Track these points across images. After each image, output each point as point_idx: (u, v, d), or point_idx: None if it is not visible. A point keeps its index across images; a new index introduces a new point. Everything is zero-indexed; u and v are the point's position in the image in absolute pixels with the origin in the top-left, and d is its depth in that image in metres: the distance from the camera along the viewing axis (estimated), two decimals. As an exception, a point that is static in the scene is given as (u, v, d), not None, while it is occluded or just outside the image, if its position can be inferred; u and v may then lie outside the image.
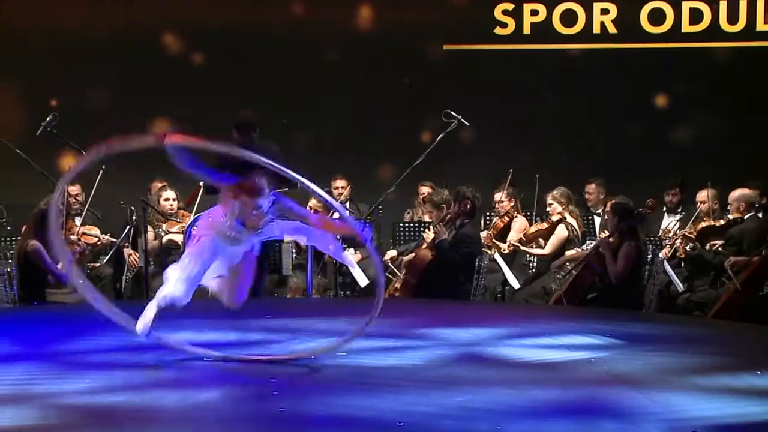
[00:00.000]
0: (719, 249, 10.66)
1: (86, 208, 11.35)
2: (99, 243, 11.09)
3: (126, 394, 5.87)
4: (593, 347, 7.43)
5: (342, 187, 12.07)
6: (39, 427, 5.23)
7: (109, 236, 11.25)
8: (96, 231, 11.25)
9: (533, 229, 11.32)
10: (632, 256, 9.95)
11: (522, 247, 11.21)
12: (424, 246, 10.59)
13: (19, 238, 10.52)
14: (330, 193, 11.84)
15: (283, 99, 13.06)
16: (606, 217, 10.92)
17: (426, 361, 6.83)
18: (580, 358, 7.01)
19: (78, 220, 11.27)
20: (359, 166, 12.63)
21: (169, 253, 11.16)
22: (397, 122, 13.23)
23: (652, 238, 11.21)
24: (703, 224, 10.88)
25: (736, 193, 10.83)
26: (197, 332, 7.80)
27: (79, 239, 10.67)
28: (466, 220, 10.60)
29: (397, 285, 10.68)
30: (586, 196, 12.11)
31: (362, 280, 11.15)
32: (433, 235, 10.53)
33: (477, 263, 10.49)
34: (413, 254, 10.73)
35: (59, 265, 9.97)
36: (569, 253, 11.04)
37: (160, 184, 12.01)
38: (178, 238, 11.25)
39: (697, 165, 12.76)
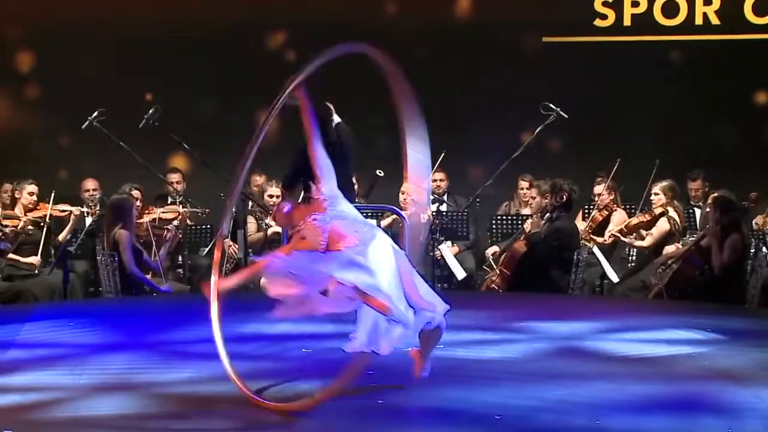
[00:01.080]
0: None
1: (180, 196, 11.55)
2: (179, 216, 11.21)
3: (227, 384, 5.94)
4: (694, 342, 7.35)
5: (440, 180, 12.04)
6: (141, 415, 5.32)
7: (188, 208, 11.36)
8: (174, 208, 11.37)
9: (635, 220, 11.19)
10: (738, 248, 9.80)
11: (622, 238, 11.09)
12: (521, 238, 10.54)
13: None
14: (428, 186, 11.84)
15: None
16: (708, 210, 10.76)
17: (524, 355, 6.81)
18: (681, 353, 6.94)
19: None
20: (455, 161, 12.54)
21: (272, 245, 11.24)
22: (493, 115, 13.14)
23: (755, 232, 11.01)
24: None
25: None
26: (295, 324, 7.86)
27: (157, 221, 10.81)
28: (563, 213, 10.51)
29: (494, 278, 10.65)
30: (691, 193, 11.92)
31: (459, 273, 11.15)
32: (530, 227, 10.50)
33: (576, 256, 10.40)
34: (509, 247, 10.71)
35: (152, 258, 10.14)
36: (669, 248, 10.90)
37: (260, 178, 12.11)
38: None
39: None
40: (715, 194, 10.63)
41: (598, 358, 6.86)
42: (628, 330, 7.81)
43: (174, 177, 11.89)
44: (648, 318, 8.57)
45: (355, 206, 10.18)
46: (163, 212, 11.10)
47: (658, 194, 11.16)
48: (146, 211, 10.84)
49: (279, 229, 10.98)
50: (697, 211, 11.69)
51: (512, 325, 7.90)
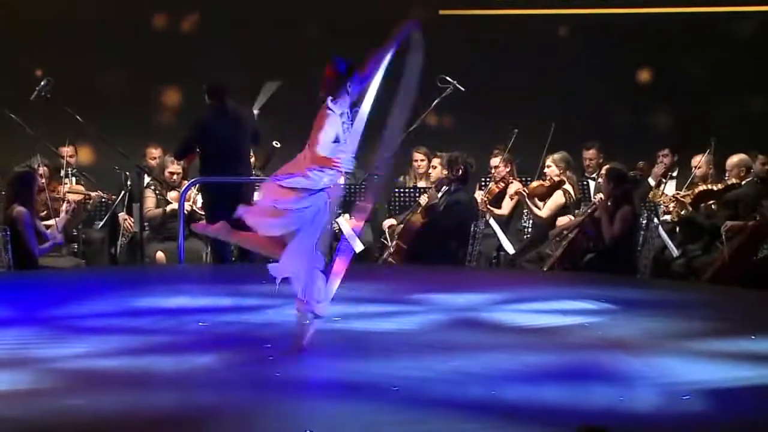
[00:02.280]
0: (712, 210, 10.70)
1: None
2: (88, 199, 11.06)
3: (121, 358, 5.88)
4: (588, 312, 7.45)
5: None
6: (34, 391, 5.24)
7: (99, 192, 11.22)
8: (81, 188, 11.22)
9: (535, 184, 11.27)
10: (628, 219, 9.97)
11: (527, 200, 11.16)
12: (418, 211, 10.60)
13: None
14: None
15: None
16: (601, 182, 10.91)
17: (420, 327, 6.84)
18: (575, 323, 7.03)
19: (68, 181, 11.28)
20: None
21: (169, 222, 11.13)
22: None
23: (647, 203, 11.20)
24: (701, 188, 10.86)
25: (735, 159, 10.81)
26: (192, 297, 7.83)
27: (64, 198, 10.64)
28: (460, 186, 10.60)
29: (391, 251, 10.69)
30: (586, 162, 12.07)
31: (357, 246, 11.14)
32: (427, 200, 10.56)
33: (472, 228, 10.48)
34: (405, 220, 10.76)
35: (49, 230, 9.95)
36: (563, 219, 11.04)
37: (155, 151, 11.95)
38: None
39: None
40: (608, 166, 10.80)
41: (493, 329, 6.92)
42: (523, 301, 7.90)
43: (66, 150, 11.68)
44: (542, 289, 8.68)
45: (250, 177, 10.27)
46: (68, 192, 10.92)
47: (550, 166, 11.29)
48: (50, 188, 10.62)
49: (176, 206, 10.88)
50: (591, 184, 11.85)
51: (408, 297, 7.93)
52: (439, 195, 10.59)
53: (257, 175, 10.68)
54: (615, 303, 7.76)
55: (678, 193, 11.00)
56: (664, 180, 11.77)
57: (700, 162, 11.28)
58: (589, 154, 12.07)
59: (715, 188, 10.79)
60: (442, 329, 6.84)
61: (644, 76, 13.82)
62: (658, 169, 11.88)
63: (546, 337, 6.67)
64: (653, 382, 5.42)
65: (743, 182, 10.66)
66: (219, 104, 10.19)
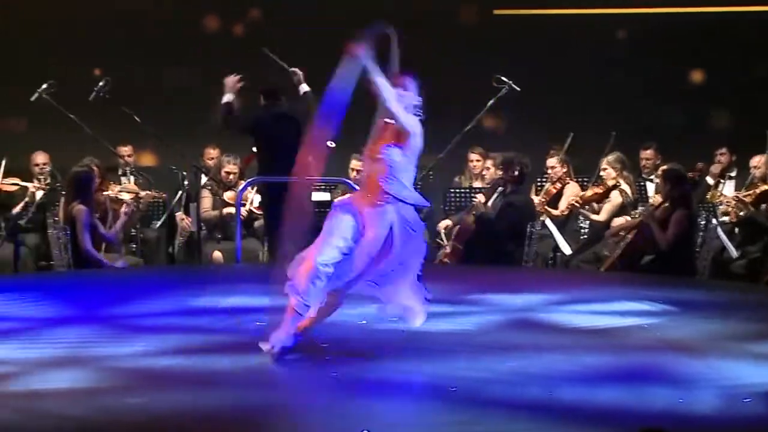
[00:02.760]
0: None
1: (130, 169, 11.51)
2: (140, 198, 11.15)
3: (179, 357, 5.92)
4: (646, 313, 7.40)
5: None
6: (94, 389, 5.29)
7: (149, 192, 11.30)
8: (134, 187, 11.30)
9: (589, 192, 11.24)
10: (682, 223, 9.84)
11: (581, 210, 11.13)
12: (472, 212, 10.57)
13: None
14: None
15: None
16: (658, 182, 10.83)
17: (477, 327, 6.83)
18: (633, 325, 6.99)
19: (125, 180, 11.38)
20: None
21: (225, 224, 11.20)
22: (445, 89, 13.13)
23: (705, 204, 11.11)
24: (762, 188, 10.75)
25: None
26: (250, 297, 7.86)
27: (116, 197, 10.72)
28: (516, 187, 10.56)
29: (447, 252, 10.68)
30: (642, 162, 11.97)
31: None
32: (484, 200, 10.54)
33: (528, 229, 10.44)
34: (461, 221, 10.74)
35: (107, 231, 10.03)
36: (619, 220, 10.97)
37: (214, 151, 12.02)
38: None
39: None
40: (665, 167, 10.71)
41: (550, 330, 6.89)
42: (580, 302, 7.86)
43: (125, 150, 11.79)
44: (600, 290, 8.63)
45: (307, 178, 10.25)
46: (120, 190, 11.01)
47: (606, 168, 11.22)
48: (104, 187, 10.71)
49: (233, 210, 10.93)
50: (649, 185, 11.76)
51: (466, 298, 7.92)
52: (494, 196, 10.55)
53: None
54: (673, 304, 7.70)
55: (739, 194, 10.89)
56: (722, 180, 11.66)
57: (759, 162, 11.17)
58: (647, 154, 11.98)
59: (775, 189, 10.69)
60: (500, 330, 6.82)
61: (698, 76, 13.69)
62: (716, 168, 11.78)
63: (604, 338, 6.64)
64: (713, 384, 5.38)
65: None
66: (274, 105, 10.23)
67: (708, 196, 11.37)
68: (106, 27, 13.41)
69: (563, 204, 11.30)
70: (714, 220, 10.56)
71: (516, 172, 10.52)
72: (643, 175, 11.90)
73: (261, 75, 10.60)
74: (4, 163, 10.94)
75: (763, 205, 10.78)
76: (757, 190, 10.77)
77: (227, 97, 10.18)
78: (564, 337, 6.65)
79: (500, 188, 10.60)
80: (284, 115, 10.18)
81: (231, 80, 10.19)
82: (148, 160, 12.52)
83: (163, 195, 11.46)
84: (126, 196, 10.92)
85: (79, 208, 9.69)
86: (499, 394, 5.24)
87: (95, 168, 10.62)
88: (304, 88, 10.40)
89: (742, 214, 10.79)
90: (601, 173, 11.28)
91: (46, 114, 11.25)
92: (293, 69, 10.58)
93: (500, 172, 10.70)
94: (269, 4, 13.71)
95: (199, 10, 13.70)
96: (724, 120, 13.48)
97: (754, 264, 10.41)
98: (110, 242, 10.04)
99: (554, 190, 11.41)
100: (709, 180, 11.64)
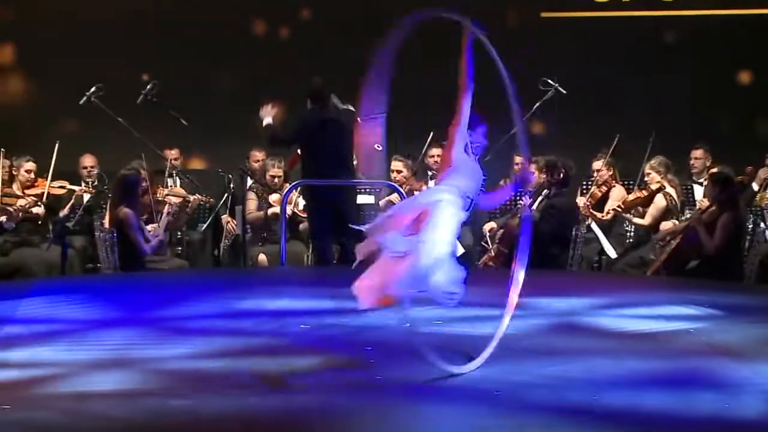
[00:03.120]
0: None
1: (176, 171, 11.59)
2: (188, 202, 11.21)
3: (224, 360, 5.94)
4: (692, 318, 7.35)
5: (438, 155, 12.03)
6: (140, 391, 5.32)
7: (198, 196, 11.36)
8: (182, 191, 11.38)
9: (632, 197, 11.19)
10: (729, 227, 9.77)
11: (624, 214, 11.09)
12: (517, 215, 10.55)
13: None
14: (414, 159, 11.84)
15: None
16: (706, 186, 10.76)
17: (521, 331, 6.80)
18: (679, 329, 6.94)
19: (171, 182, 11.45)
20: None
21: (271, 225, 11.24)
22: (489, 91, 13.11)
23: (753, 208, 11.01)
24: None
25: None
26: (294, 300, 7.89)
27: (164, 200, 10.79)
28: (560, 190, 10.52)
29: (491, 254, 10.66)
30: (692, 161, 11.87)
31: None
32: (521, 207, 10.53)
33: (574, 232, 10.40)
34: (505, 224, 10.71)
35: (151, 232, 10.10)
36: (666, 224, 10.90)
37: (260, 154, 12.07)
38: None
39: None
40: (713, 170, 10.64)
41: (595, 334, 6.86)
42: (626, 306, 7.82)
43: (172, 153, 11.86)
44: (646, 294, 8.57)
45: (352, 181, 10.28)
46: (168, 194, 11.09)
47: (650, 173, 11.16)
48: (153, 190, 10.79)
49: (278, 209, 10.96)
50: (696, 188, 11.66)
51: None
52: (539, 199, 10.52)
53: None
54: (720, 309, 7.64)
55: (787, 197, 10.79)
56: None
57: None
58: (697, 153, 11.87)
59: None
60: (544, 333, 6.80)
61: (746, 78, 13.57)
62: (763, 172, 11.66)
63: (649, 342, 6.60)
64: (760, 389, 5.33)
65: None
66: (321, 108, 10.24)
67: (756, 199, 11.28)
68: (153, 29, 13.49)
69: (608, 207, 11.25)
70: (762, 224, 10.48)
71: (560, 175, 10.49)
72: (693, 177, 11.78)
73: (306, 78, 10.63)
74: (53, 166, 11.03)
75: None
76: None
77: (266, 121, 10.21)
78: (609, 342, 6.62)
79: (545, 191, 10.57)
80: (331, 119, 10.19)
81: (265, 110, 10.22)
82: (195, 163, 12.57)
83: (210, 200, 11.52)
84: (174, 200, 10.99)
85: (126, 212, 9.76)
86: (543, 399, 5.22)
87: (143, 171, 10.70)
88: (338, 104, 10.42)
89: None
90: (645, 177, 11.23)
91: (95, 117, 11.35)
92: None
93: (544, 176, 10.67)
94: (318, 5, 13.74)
95: (246, 13, 13.74)
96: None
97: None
98: (146, 252, 10.03)
99: (600, 194, 11.36)
100: (755, 185, 11.53)
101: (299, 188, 10.79)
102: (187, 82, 12.98)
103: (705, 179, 11.37)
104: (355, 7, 13.34)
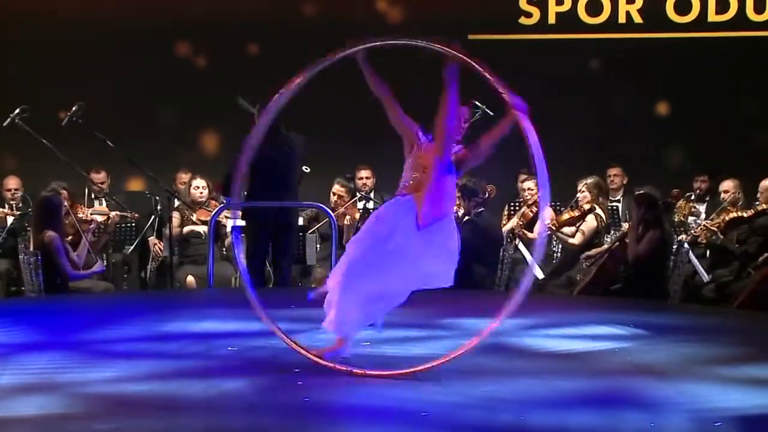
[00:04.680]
0: (743, 238, 10.66)
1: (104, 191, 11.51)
2: (109, 220, 11.12)
3: (150, 383, 5.89)
4: (617, 337, 7.42)
5: (367, 177, 12.06)
6: (65, 415, 5.25)
7: (118, 213, 11.26)
8: (104, 209, 11.28)
9: (565, 216, 11.28)
10: (655, 243, 9.90)
11: (557, 233, 11.16)
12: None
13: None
14: (354, 182, 11.87)
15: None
16: (623, 204, 10.91)
17: (449, 351, 6.81)
18: (605, 349, 6.99)
19: (97, 203, 11.36)
20: (382, 159, 12.57)
21: (188, 243, 11.20)
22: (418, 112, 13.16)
23: (676, 228, 11.16)
24: (732, 215, 10.81)
25: (767, 183, 10.75)
26: (221, 322, 7.84)
27: (89, 220, 10.70)
28: (481, 210, 10.52)
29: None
30: (610, 178, 12.02)
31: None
32: None
33: (501, 253, 10.44)
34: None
35: (76, 255, 10.00)
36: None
37: (185, 175, 12.03)
38: (201, 229, 11.26)
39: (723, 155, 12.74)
40: (639, 192, 10.77)
41: (523, 354, 6.89)
42: (552, 326, 7.87)
43: (98, 177, 11.74)
44: (572, 314, 8.65)
45: (282, 204, 10.28)
46: (92, 213, 10.99)
47: (583, 191, 11.27)
48: (75, 210, 10.70)
49: (198, 228, 10.94)
50: (620, 207, 11.81)
51: (437, 322, 7.91)
52: (463, 221, 10.53)
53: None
54: (645, 328, 7.73)
55: (708, 222, 10.91)
56: (695, 206, 11.71)
57: (729, 186, 11.24)
58: (614, 171, 12.06)
59: (745, 215, 10.74)
60: (471, 354, 6.81)
61: (663, 107, 13.74)
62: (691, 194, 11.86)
63: (575, 362, 6.65)
64: (683, 408, 5.39)
65: (773, 207, 10.63)
66: (271, 129, 10.21)
67: (680, 218, 11.44)
68: (80, 51, 13.40)
69: (538, 227, 11.31)
70: (686, 245, 10.61)
71: (478, 197, 10.47)
72: (610, 197, 11.90)
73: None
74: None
75: (734, 231, 10.84)
76: (726, 217, 10.82)
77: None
78: (535, 362, 6.66)
79: (466, 217, 10.54)
80: (278, 141, 10.20)
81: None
82: (121, 185, 12.45)
83: (135, 215, 11.43)
84: (99, 218, 10.91)
85: (50, 235, 9.66)
86: (472, 419, 5.23)
87: (64, 192, 10.62)
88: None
89: (713, 238, 10.85)
90: (578, 195, 11.33)
91: (19, 139, 11.21)
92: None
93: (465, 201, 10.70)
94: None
95: (171, 37, 13.70)
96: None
97: (724, 288, 10.46)
98: (74, 277, 9.92)
99: (531, 214, 11.43)
100: (682, 203, 11.69)
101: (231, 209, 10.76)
102: (114, 104, 12.90)
103: (620, 197, 11.60)
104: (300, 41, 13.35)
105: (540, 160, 6.26)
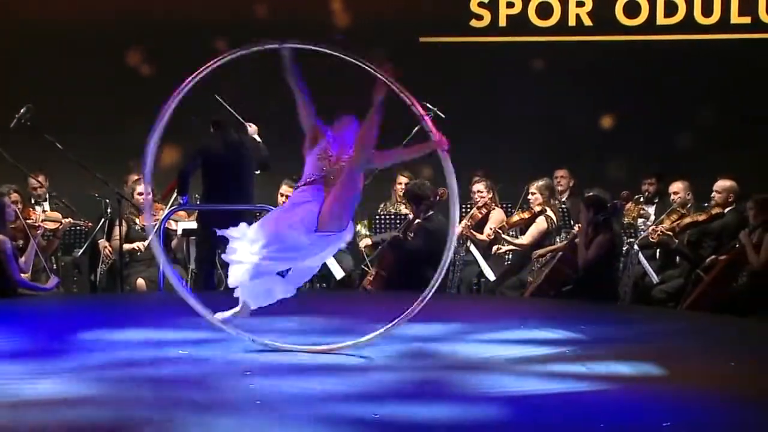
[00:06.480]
0: (693, 239, 10.75)
1: (47, 195, 11.42)
2: (60, 226, 11.03)
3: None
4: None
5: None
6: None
7: (70, 219, 11.17)
8: (57, 216, 11.19)
9: (515, 218, 11.33)
10: (604, 246, 9.93)
11: (503, 236, 11.20)
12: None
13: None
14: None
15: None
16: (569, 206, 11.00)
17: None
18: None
19: (39, 209, 11.24)
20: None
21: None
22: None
23: (626, 230, 11.21)
24: (687, 220, 10.86)
25: (727, 184, 10.79)
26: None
27: (38, 226, 10.62)
28: (431, 212, 10.50)
29: (370, 278, 10.64)
30: (557, 179, 12.07)
31: (338, 273, 11.13)
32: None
33: (453, 255, 10.43)
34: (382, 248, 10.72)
35: (23, 261, 9.93)
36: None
37: (136, 177, 11.93)
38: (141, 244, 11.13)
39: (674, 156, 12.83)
40: (589, 194, 10.80)
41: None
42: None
43: (34, 182, 11.55)
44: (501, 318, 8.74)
45: (229, 207, 10.22)
46: (45, 220, 10.90)
47: (534, 193, 11.31)
48: (25, 215, 10.60)
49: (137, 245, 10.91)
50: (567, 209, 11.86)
51: (363, 327, 7.67)
52: (414, 224, 10.49)
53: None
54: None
55: (663, 227, 10.91)
56: (644, 208, 11.78)
57: (679, 188, 11.30)
58: (561, 173, 12.13)
59: (700, 218, 10.80)
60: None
61: (607, 121, 13.79)
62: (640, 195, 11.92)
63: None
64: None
65: (726, 210, 10.69)
66: (223, 134, 10.31)
67: (629, 220, 11.50)
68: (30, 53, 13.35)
69: (488, 229, 11.34)
70: (635, 246, 10.67)
71: (430, 200, 10.46)
72: (558, 197, 11.96)
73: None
74: None
75: (687, 232, 10.90)
76: (682, 222, 10.86)
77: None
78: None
79: (416, 221, 10.51)
80: (234, 142, 10.25)
81: None
82: (69, 187, 12.32)
83: (89, 223, 11.36)
84: (50, 225, 10.83)
85: (0, 239, 9.56)
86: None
87: (15, 194, 10.53)
88: (254, 134, 10.72)
89: (666, 240, 10.86)
90: (529, 196, 11.38)
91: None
92: (249, 123, 10.69)
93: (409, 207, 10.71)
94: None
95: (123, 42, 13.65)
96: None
97: (675, 289, 10.54)
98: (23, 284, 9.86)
99: (480, 215, 11.45)
100: (630, 206, 11.76)
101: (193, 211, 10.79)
102: (62, 106, 12.84)
103: (566, 198, 11.68)
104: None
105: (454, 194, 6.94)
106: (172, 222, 11.11)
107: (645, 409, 5.50)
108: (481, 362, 6.71)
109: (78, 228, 11.35)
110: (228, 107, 10.59)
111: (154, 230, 7.59)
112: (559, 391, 5.89)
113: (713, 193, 10.85)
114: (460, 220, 11.53)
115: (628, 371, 6.46)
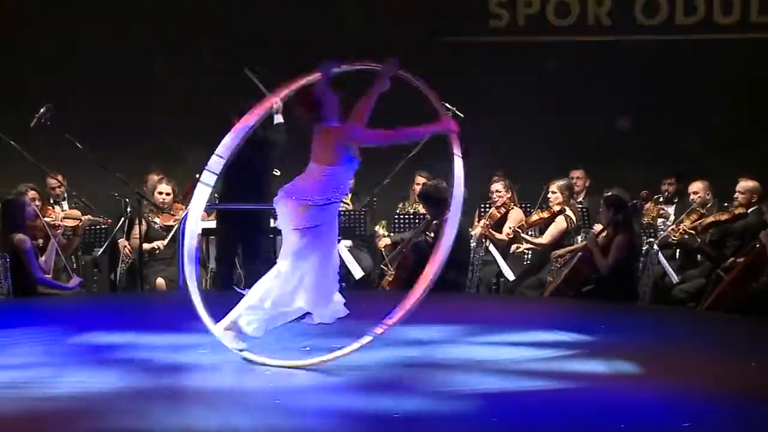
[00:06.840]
0: (715, 239, 10.74)
1: (66, 194, 11.47)
2: (80, 224, 11.05)
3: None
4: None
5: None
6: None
7: (89, 217, 11.20)
8: (77, 213, 11.22)
9: (534, 217, 11.33)
10: (623, 248, 9.91)
11: (522, 235, 11.19)
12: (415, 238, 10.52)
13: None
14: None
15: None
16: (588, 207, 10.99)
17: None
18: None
19: (59, 208, 11.28)
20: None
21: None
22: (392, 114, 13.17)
23: (645, 229, 11.20)
24: (710, 219, 10.85)
25: (750, 184, 10.77)
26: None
27: (58, 225, 10.65)
28: (446, 216, 10.42)
29: (389, 279, 10.63)
30: (573, 180, 12.05)
31: (357, 272, 11.12)
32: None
33: (471, 255, 10.44)
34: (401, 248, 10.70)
35: (43, 260, 9.97)
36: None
37: (156, 177, 11.96)
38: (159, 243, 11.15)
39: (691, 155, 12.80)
40: (608, 193, 10.78)
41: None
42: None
43: (52, 181, 11.58)
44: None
45: (249, 206, 10.13)
46: (65, 218, 10.93)
47: (555, 192, 11.31)
48: (45, 213, 10.63)
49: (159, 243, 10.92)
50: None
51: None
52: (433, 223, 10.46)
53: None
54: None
55: (684, 226, 10.89)
56: (664, 207, 11.77)
57: (698, 188, 11.28)
58: (577, 173, 12.12)
59: (722, 218, 10.78)
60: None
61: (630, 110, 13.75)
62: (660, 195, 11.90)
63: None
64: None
65: (749, 210, 10.67)
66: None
67: (649, 220, 11.49)
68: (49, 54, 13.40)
69: (507, 229, 11.33)
70: (655, 246, 10.65)
71: (441, 202, 10.42)
72: (573, 196, 11.95)
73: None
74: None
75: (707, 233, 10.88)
76: (704, 221, 10.84)
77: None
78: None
79: (434, 222, 10.47)
80: (258, 141, 10.02)
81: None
82: (88, 187, 12.36)
83: (108, 220, 11.39)
84: (70, 222, 10.86)
85: (20, 238, 9.66)
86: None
87: (33, 193, 10.58)
88: (279, 119, 10.15)
89: (686, 237, 10.84)
90: (549, 195, 11.37)
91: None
92: (275, 100, 10.47)
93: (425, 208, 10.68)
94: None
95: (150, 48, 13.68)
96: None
97: (696, 289, 10.51)
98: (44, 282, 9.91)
99: (498, 215, 11.44)
100: (650, 206, 11.75)
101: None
102: (84, 106, 12.89)
103: (583, 198, 11.66)
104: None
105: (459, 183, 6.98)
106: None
107: (666, 409, 5.50)
108: (474, 362, 6.75)
109: (98, 227, 11.36)
110: (257, 82, 10.36)
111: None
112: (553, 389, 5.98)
113: (736, 194, 10.84)
114: (479, 220, 11.56)
115: (635, 371, 6.48)
